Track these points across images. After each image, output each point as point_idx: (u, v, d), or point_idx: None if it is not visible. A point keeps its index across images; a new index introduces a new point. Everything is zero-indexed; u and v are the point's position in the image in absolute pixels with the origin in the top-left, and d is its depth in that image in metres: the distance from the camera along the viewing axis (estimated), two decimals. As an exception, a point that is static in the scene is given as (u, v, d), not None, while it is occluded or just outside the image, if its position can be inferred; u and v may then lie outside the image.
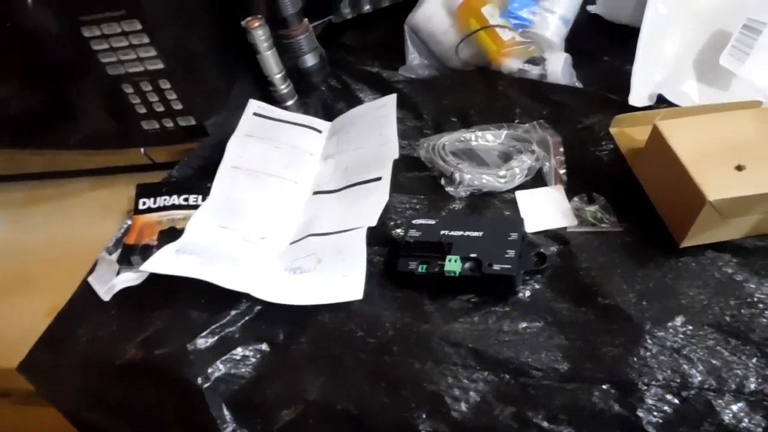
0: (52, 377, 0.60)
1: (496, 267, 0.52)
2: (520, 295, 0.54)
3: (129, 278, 0.63)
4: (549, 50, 0.74)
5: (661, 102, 0.66)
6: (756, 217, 0.50)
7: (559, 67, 0.73)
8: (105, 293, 0.62)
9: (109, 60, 0.64)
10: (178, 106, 0.68)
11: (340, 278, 0.56)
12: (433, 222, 0.57)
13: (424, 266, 0.54)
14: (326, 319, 0.55)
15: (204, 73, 0.69)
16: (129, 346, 0.57)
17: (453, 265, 0.53)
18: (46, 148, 0.74)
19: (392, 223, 0.62)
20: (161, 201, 0.68)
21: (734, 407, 0.45)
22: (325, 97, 0.82)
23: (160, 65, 0.64)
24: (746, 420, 0.44)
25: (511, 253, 0.53)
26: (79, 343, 0.59)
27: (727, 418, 0.44)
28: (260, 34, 0.72)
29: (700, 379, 0.46)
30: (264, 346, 0.56)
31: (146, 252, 0.64)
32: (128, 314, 0.60)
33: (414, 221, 0.58)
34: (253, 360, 0.56)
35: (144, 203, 0.68)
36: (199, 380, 0.54)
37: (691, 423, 0.45)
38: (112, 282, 0.62)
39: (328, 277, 0.57)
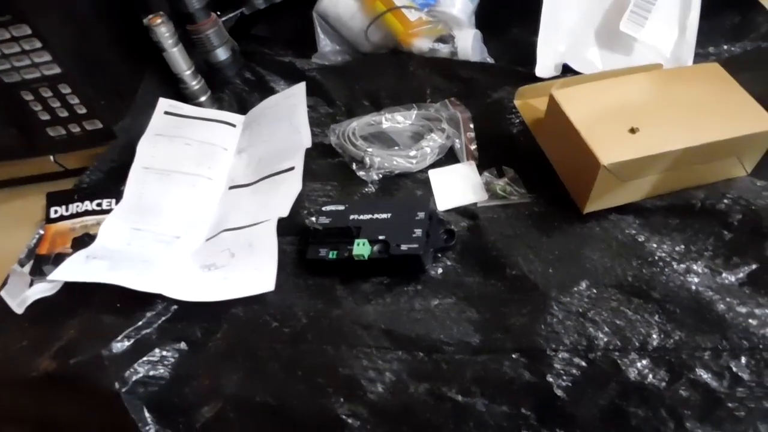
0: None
1: (404, 247, 0.52)
2: (432, 273, 0.54)
3: (42, 289, 0.61)
4: (457, 28, 0.74)
5: (567, 71, 0.67)
6: (653, 177, 0.51)
7: (468, 44, 0.73)
8: (17, 306, 0.60)
9: (2, 67, 0.62)
10: (82, 110, 0.66)
11: (252, 271, 0.56)
12: (342, 207, 0.57)
13: (334, 252, 0.54)
14: (240, 312, 0.55)
15: (106, 74, 0.67)
16: (42, 357, 0.56)
17: (361, 248, 0.53)
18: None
19: (305, 211, 0.62)
20: (73, 208, 0.66)
21: (639, 365, 0.46)
22: (239, 90, 0.81)
23: (57, 69, 0.62)
24: (651, 376, 0.45)
25: (418, 232, 0.53)
26: (-6, 358, 0.58)
27: (632, 375, 0.45)
28: (164, 32, 0.71)
29: (605, 340, 0.47)
30: (182, 345, 0.55)
31: (60, 261, 0.61)
32: (42, 325, 0.58)
33: (324, 208, 0.57)
34: (172, 360, 0.55)
35: (56, 211, 0.66)
36: (116, 385, 0.53)
37: (599, 383, 0.46)
38: (24, 294, 0.61)
39: (241, 271, 0.56)
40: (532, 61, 0.69)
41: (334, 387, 0.50)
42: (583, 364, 0.46)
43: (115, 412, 0.54)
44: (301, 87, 0.71)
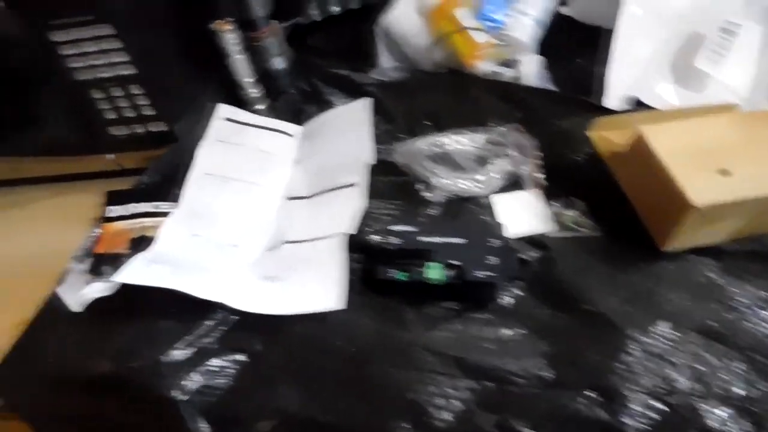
0: (22, 391, 0.58)
1: (479, 274, 0.51)
2: (500, 301, 0.53)
3: (100, 289, 0.60)
4: (522, 52, 0.74)
5: (636, 104, 0.66)
6: (736, 221, 0.51)
7: (532, 70, 0.73)
8: (75, 304, 0.60)
9: (77, 65, 0.62)
10: (150, 112, 0.66)
11: (318, 287, 0.55)
12: (411, 228, 0.56)
13: (405, 274, 0.53)
14: (304, 328, 0.54)
15: (175, 78, 0.67)
16: (100, 358, 0.55)
17: (435, 272, 0.52)
18: (8, 155, 0.71)
19: (368, 229, 0.61)
20: (131, 208, 0.66)
21: (720, 413, 0.45)
22: (294, 100, 0.80)
23: (132, 70, 0.62)
24: (733, 426, 0.44)
25: (493, 259, 0.52)
26: (49, 355, 0.57)
27: (713, 423, 0.44)
28: (230, 38, 0.70)
29: (685, 384, 0.46)
30: (242, 357, 0.55)
31: (117, 261, 0.61)
32: (99, 326, 0.58)
33: (392, 228, 0.56)
34: (231, 371, 0.54)
35: (113, 211, 0.66)
36: (174, 393, 0.52)
37: (677, 429, 0.45)
38: (82, 293, 0.60)
39: (306, 286, 0.55)
40: (594, 91, 0.69)
41: (399, 412, 0.49)
42: (661, 407, 0.45)
43: (170, 421, 0.53)
44: (367, 102, 0.71)
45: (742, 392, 0.45)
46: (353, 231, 0.58)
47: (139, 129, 0.68)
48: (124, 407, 0.56)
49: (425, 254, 0.54)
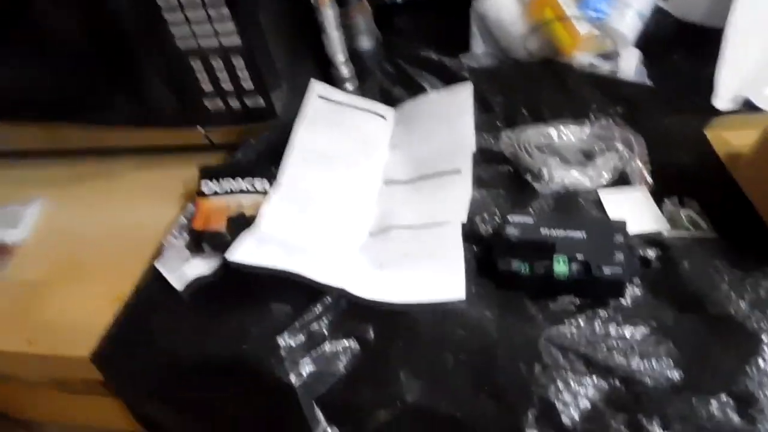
0: (125, 369, 0.57)
1: (606, 270, 0.51)
2: (622, 299, 0.53)
3: (200, 266, 0.60)
4: (622, 45, 0.72)
5: (747, 106, 0.65)
6: None
7: (632, 64, 0.72)
8: (177, 282, 0.59)
9: (181, 32, 0.60)
10: (249, 86, 0.64)
11: (435, 276, 0.54)
12: (530, 220, 0.55)
13: (528, 266, 0.53)
14: (423, 318, 0.53)
15: (277, 52, 0.65)
16: (211, 340, 0.55)
17: (561, 266, 0.52)
18: (97, 124, 0.69)
19: (477, 218, 0.60)
20: (226, 184, 0.65)
21: None
22: (381, 81, 0.79)
23: (237, 41, 0.60)
24: None
25: (620, 256, 0.52)
26: (154, 334, 0.56)
27: None
28: (329, 14, 0.69)
29: (820, 391, 0.46)
30: (353, 343, 0.54)
31: (216, 239, 0.60)
32: (206, 306, 0.57)
33: (510, 218, 0.56)
34: (344, 358, 0.54)
35: (208, 186, 0.65)
36: (292, 378, 0.52)
37: (813, 436, 0.45)
38: (182, 270, 0.59)
39: (424, 274, 0.55)
40: (696, 89, 0.68)
41: (525, 407, 0.49)
42: (797, 414, 0.46)
43: (284, 406, 0.53)
44: (467, 87, 0.70)
45: None
46: (464, 219, 0.58)
47: (234, 103, 0.66)
48: (233, 391, 0.55)
49: (549, 247, 0.53)
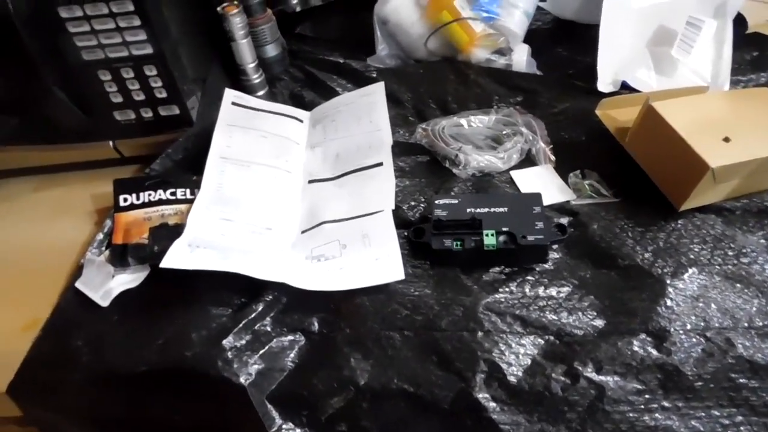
0: (49, 397, 0.53)
1: (530, 238, 0.55)
2: (545, 264, 0.58)
3: (126, 280, 0.57)
4: (513, 42, 0.79)
5: (623, 88, 0.74)
6: (735, 181, 0.59)
7: (524, 57, 0.79)
8: (101, 298, 0.56)
9: (86, 44, 0.58)
10: (162, 95, 0.63)
11: (373, 261, 0.56)
12: (455, 201, 0.59)
13: (459, 242, 0.56)
14: (366, 302, 0.55)
15: (187, 59, 0.64)
16: (146, 352, 0.52)
17: (490, 239, 0.55)
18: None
19: (405, 206, 0.63)
20: (145, 196, 0.63)
21: (747, 342, 0.52)
22: (291, 87, 0.81)
23: (149, 50, 0.59)
24: (759, 351, 0.51)
25: (540, 224, 0.56)
26: (81, 354, 0.53)
27: (742, 351, 0.51)
28: (237, 21, 0.69)
29: (718, 320, 0.53)
30: (299, 336, 0.54)
31: (140, 251, 0.58)
32: (136, 318, 0.55)
33: (437, 201, 0.59)
34: (291, 352, 0.54)
35: (125, 200, 0.62)
36: (242, 378, 0.51)
37: (716, 359, 0.51)
38: (108, 285, 0.56)
39: (360, 261, 0.56)
40: (580, 76, 0.77)
41: (473, 371, 0.51)
42: (702, 341, 0.52)
43: (237, 408, 0.52)
44: (380, 86, 0.72)
45: (762, 322, 0.53)
46: (393, 207, 0.60)
47: (147, 113, 0.64)
48: (182, 402, 0.53)
49: (477, 223, 0.57)
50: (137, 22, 0.57)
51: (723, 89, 0.73)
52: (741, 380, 0.50)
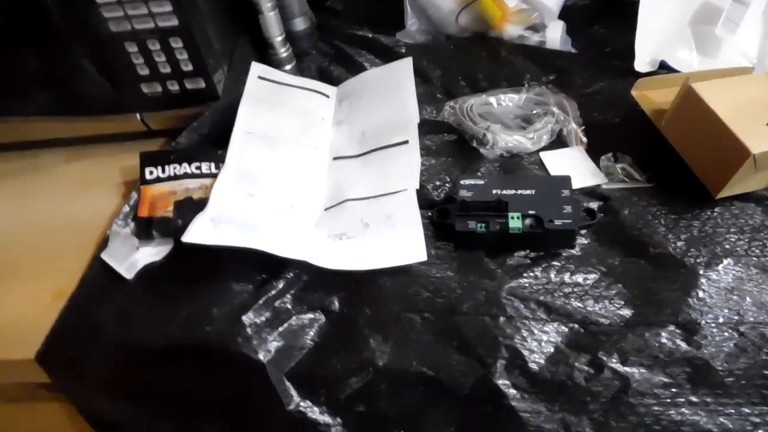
0: (75, 366, 0.54)
1: (557, 222, 0.54)
2: (572, 250, 0.56)
3: (150, 253, 0.58)
4: (548, 18, 0.76)
5: (662, 68, 0.71)
6: (776, 169, 0.56)
7: (558, 34, 0.76)
8: (126, 271, 0.56)
9: (114, 15, 0.58)
10: (188, 68, 0.62)
11: (396, 241, 0.55)
12: (482, 182, 0.58)
13: (483, 225, 0.55)
14: (387, 283, 0.54)
15: (214, 32, 0.63)
16: (172, 325, 0.53)
17: (516, 222, 0.54)
18: (28, 115, 0.64)
19: (429, 185, 0.62)
20: (170, 170, 0.63)
21: (783, 337, 0.50)
22: (319, 61, 0.79)
23: (174, 22, 0.58)
24: (793, 348, 0.49)
25: (568, 208, 0.55)
26: (107, 326, 0.54)
27: (779, 347, 0.49)
28: (264, -7, 0.68)
29: (753, 314, 0.50)
30: (319, 315, 0.54)
31: (165, 224, 0.59)
32: (160, 292, 0.55)
33: (462, 182, 0.58)
34: (311, 330, 0.54)
35: (151, 172, 0.62)
36: (261, 355, 0.51)
37: (750, 355, 0.49)
38: (132, 258, 0.57)
39: (382, 241, 0.55)
40: (618, 55, 0.73)
41: (493, 357, 0.50)
42: (735, 335, 0.50)
43: (256, 384, 0.52)
44: (407, 62, 0.71)
45: (799, 318, 0.51)
46: (417, 186, 0.59)
47: (173, 86, 0.64)
48: (202, 377, 0.54)
49: (502, 206, 0.55)
50: (162, -8, 0.57)
51: (769, 70, 0.69)
52: (776, 378, 0.49)
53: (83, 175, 0.68)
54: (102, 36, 0.59)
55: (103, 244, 0.59)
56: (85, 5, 0.57)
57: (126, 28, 0.59)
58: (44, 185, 0.68)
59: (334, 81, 0.75)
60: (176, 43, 0.60)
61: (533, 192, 0.56)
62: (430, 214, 0.59)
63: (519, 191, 0.56)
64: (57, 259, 0.60)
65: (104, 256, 0.58)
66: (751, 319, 0.50)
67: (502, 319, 0.52)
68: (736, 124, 0.54)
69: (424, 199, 0.60)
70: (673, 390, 0.49)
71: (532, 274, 0.54)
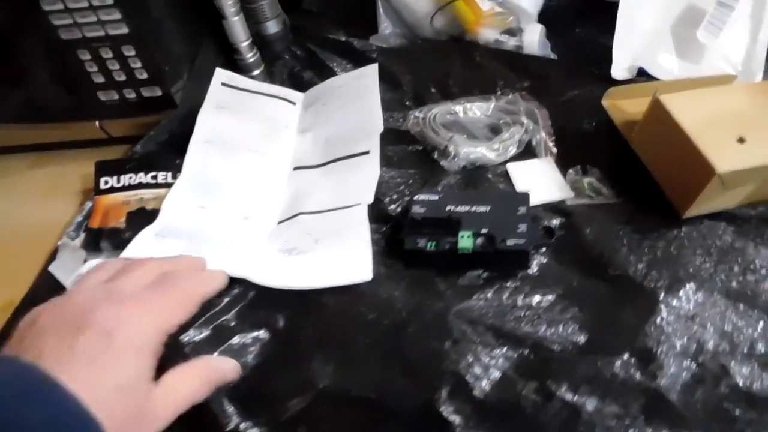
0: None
1: (510, 242, 0.51)
2: (528, 270, 0.54)
3: (99, 267, 0.57)
4: (525, 21, 0.73)
5: (641, 75, 0.67)
6: (750, 187, 0.53)
7: (535, 39, 0.73)
8: (72, 284, 0.55)
9: (62, 22, 0.56)
10: (143, 75, 0.61)
11: (343, 259, 0.53)
12: (436, 197, 0.55)
13: (434, 243, 0.52)
14: (331, 302, 0.52)
15: (170, 39, 0.62)
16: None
17: (466, 241, 0.52)
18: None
19: (387, 199, 0.60)
20: (126, 179, 0.62)
21: (745, 370, 0.47)
22: (290, 66, 0.77)
23: (125, 30, 0.57)
24: (758, 381, 0.46)
25: (523, 227, 0.52)
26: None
27: (740, 379, 0.46)
28: (227, -1, 0.67)
29: (713, 344, 0.48)
30: (263, 333, 0.52)
31: (115, 236, 0.57)
32: (103, 307, 0.54)
33: (416, 197, 0.55)
34: (253, 349, 0.52)
35: (106, 182, 0.61)
36: (198, 375, 0.50)
37: (708, 387, 0.46)
38: (79, 271, 0.56)
39: (330, 258, 0.53)
40: (598, 61, 0.70)
41: (438, 382, 0.48)
42: (693, 366, 0.47)
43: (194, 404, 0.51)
44: (373, 68, 0.68)
45: (765, 349, 0.47)
46: (371, 200, 0.57)
47: (130, 94, 0.63)
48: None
49: (454, 223, 0.53)
50: (110, 0, 0.55)
51: (755, 79, 0.65)
52: (736, 412, 0.45)
53: (47, 182, 0.68)
54: (53, 43, 0.58)
55: (54, 254, 0.58)
56: (33, 12, 0.56)
57: (76, 35, 0.58)
58: (8, 191, 0.68)
59: (304, 86, 0.73)
60: (129, 51, 0.59)
61: (488, 209, 0.54)
62: (384, 229, 0.57)
63: (474, 208, 0.54)
64: (12, 269, 0.60)
65: (52, 268, 0.57)
66: (711, 348, 0.48)
67: (448, 342, 0.49)
68: (705, 139, 0.51)
69: (380, 213, 0.58)
70: (626, 421, 0.46)
71: (482, 295, 0.52)
